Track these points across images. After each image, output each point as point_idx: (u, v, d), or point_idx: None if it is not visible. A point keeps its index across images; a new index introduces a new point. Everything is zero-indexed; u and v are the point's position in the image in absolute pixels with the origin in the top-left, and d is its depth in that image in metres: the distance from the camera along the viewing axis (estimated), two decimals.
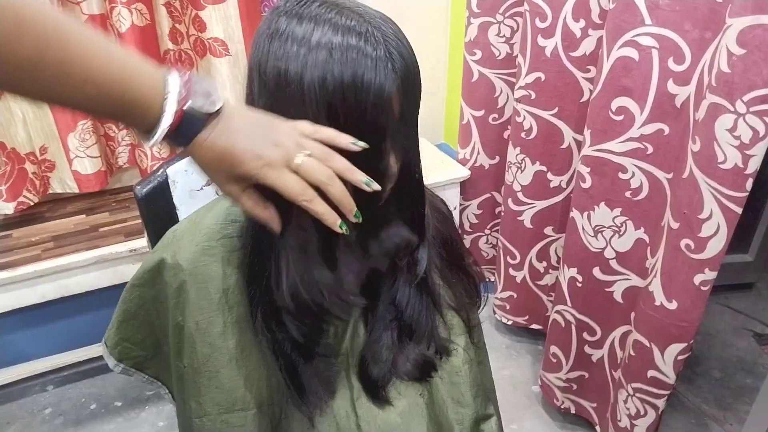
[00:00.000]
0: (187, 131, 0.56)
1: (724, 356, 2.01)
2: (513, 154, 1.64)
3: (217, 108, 0.57)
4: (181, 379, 0.78)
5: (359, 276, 0.73)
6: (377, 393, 0.82)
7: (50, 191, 1.68)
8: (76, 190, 1.66)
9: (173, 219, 1.00)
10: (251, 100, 0.66)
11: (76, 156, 1.60)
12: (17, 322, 1.75)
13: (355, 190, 0.63)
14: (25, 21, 0.44)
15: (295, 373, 0.77)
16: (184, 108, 0.54)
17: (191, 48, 1.65)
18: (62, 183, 1.67)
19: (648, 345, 1.28)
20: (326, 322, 0.78)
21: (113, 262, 1.56)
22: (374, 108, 0.61)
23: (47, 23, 0.46)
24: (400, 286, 0.81)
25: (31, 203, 1.61)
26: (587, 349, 1.54)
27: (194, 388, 0.76)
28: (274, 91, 0.62)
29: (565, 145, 1.55)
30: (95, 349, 1.87)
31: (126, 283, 0.83)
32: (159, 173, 0.99)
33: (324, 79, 0.59)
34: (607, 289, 1.43)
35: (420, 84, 0.66)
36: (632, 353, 1.33)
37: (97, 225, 1.65)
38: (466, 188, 1.98)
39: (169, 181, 0.99)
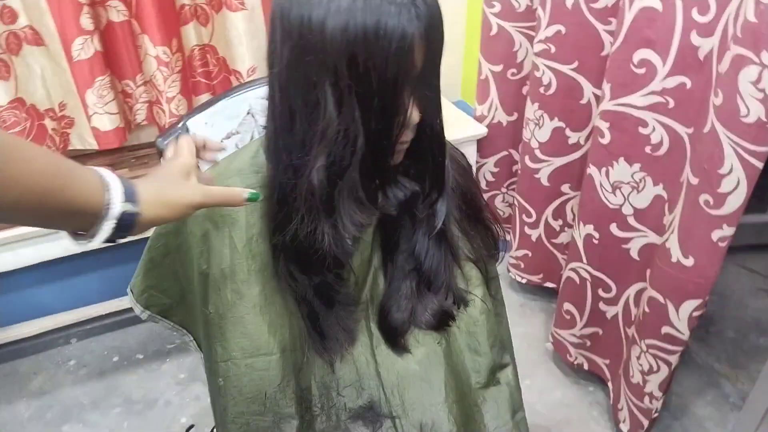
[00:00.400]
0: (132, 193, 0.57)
1: (738, 316, 2.01)
2: (531, 110, 1.63)
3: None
4: (208, 325, 0.80)
5: (362, 224, 0.73)
6: (396, 341, 0.84)
7: (70, 147, 1.70)
8: (96, 147, 1.67)
9: None
10: (273, 49, 0.66)
11: (95, 112, 1.60)
12: (42, 276, 1.80)
13: (371, 139, 0.64)
14: None
15: (316, 320, 0.79)
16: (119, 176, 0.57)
17: (207, 2, 1.64)
18: (82, 139, 1.68)
19: (663, 301, 1.29)
20: (345, 270, 0.79)
21: None
22: (396, 56, 0.60)
23: None
24: (419, 238, 0.82)
25: None
26: (601, 305, 1.55)
27: (219, 333, 0.78)
28: (297, 39, 0.62)
29: (584, 101, 1.54)
30: (117, 303, 1.91)
31: (146, 237, 0.84)
32: (180, 126, 1.00)
33: (346, 25, 0.59)
34: (623, 246, 1.43)
35: (443, 33, 0.65)
36: (647, 310, 1.34)
37: None
38: (483, 146, 1.97)
39: (190, 133, 1.00)
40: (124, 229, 0.56)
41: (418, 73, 0.64)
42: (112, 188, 0.55)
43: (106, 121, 1.63)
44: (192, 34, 1.67)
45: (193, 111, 1.06)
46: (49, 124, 1.60)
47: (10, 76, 1.48)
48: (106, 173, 0.55)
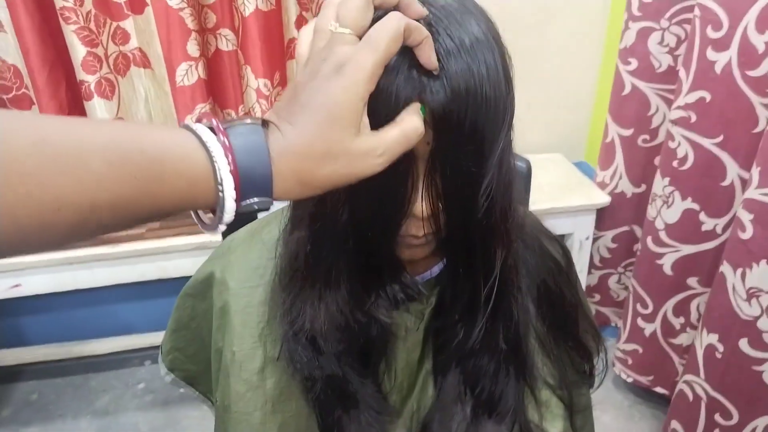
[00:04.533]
0: (257, 147, 0.40)
1: None
2: (660, 184, 1.41)
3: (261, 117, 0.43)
4: (216, 413, 0.69)
5: (335, 322, 0.59)
6: None
7: None
8: None
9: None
10: None
11: None
12: (127, 294, 1.81)
13: (359, 220, 0.53)
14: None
15: (331, 423, 0.66)
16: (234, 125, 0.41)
17: None
18: None
19: None
20: (371, 363, 0.66)
21: (211, 250, 1.54)
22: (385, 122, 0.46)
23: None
24: (476, 351, 0.65)
25: None
26: None
27: (221, 428, 0.67)
28: None
29: (726, 183, 1.30)
30: None
31: None
32: None
33: None
34: (754, 368, 1.18)
35: (477, 116, 0.49)
36: None
37: None
38: (602, 217, 1.76)
39: None
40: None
41: (429, 155, 0.50)
42: (224, 182, 0.39)
43: None
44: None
45: None
46: None
47: (114, 95, 1.50)
48: (213, 150, 0.39)
